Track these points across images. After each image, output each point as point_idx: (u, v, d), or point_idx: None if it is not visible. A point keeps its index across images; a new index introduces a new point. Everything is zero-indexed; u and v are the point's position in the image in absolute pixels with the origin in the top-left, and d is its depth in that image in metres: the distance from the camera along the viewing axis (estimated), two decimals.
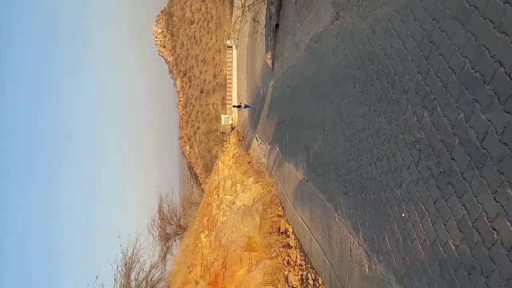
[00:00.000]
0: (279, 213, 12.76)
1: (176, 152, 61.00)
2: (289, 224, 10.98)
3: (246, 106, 19.30)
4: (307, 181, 9.01)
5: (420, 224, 4.02)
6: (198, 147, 49.19)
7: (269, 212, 13.58)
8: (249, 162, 21.07)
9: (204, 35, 51.51)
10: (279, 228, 11.90)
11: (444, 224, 3.58)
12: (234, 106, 21.84)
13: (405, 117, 4.26)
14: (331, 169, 6.97)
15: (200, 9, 53.42)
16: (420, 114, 3.94)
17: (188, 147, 53.38)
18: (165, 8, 59.10)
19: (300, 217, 9.69)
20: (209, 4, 50.67)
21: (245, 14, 13.98)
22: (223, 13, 43.34)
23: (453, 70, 3.40)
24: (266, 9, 14.29)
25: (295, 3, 10.40)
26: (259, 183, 17.19)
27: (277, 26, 14.58)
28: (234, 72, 25.36)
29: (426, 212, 3.90)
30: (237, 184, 20.39)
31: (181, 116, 55.40)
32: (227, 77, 26.40)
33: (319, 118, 7.88)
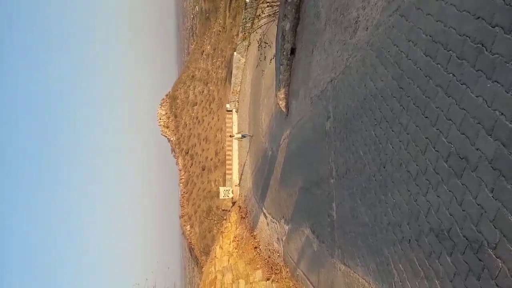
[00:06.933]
0: None
1: (177, 232, 53.45)
2: None
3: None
4: None
5: None
6: (199, 226, 42.59)
7: None
8: (256, 247, 14.29)
9: (206, 115, 48.54)
10: None
11: None
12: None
13: None
14: None
15: (203, 91, 51.18)
16: None
17: (188, 226, 46.33)
18: (169, 92, 57.05)
19: None
20: (211, 87, 48.54)
21: (247, 35, 8.78)
22: (224, 94, 40.85)
23: None
24: (277, 26, 9.17)
25: None
26: (273, 281, 10.36)
27: (293, 50, 9.30)
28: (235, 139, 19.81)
29: None
30: (239, 280, 13.40)
31: (182, 195, 49.36)
32: (227, 145, 20.86)
33: None
